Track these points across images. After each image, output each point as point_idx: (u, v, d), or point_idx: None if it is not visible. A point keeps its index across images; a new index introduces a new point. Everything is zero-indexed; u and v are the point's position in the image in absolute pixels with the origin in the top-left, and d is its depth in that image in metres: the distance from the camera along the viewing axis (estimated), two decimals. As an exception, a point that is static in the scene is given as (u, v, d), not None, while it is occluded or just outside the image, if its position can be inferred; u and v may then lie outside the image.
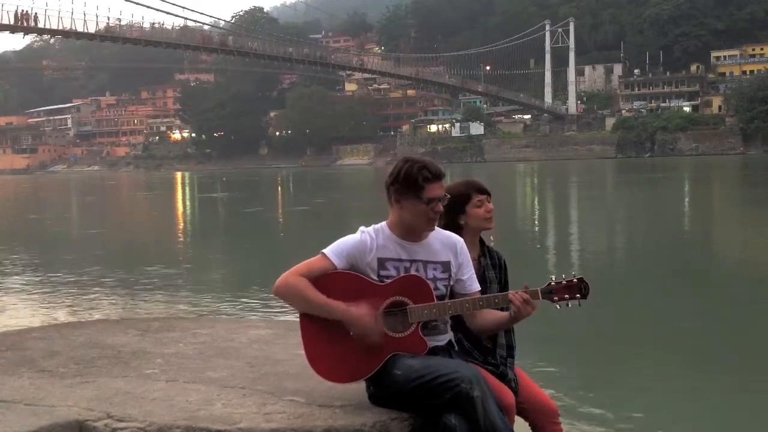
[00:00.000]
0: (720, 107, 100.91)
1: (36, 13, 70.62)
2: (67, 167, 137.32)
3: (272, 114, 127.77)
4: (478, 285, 2.84)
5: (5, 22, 69.27)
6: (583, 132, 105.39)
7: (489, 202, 3.08)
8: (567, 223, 22.37)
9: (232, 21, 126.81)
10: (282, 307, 8.62)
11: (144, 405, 2.71)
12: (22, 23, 70.42)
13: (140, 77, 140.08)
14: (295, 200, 38.80)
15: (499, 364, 2.94)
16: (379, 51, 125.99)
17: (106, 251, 17.41)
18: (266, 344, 3.66)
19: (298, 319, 2.74)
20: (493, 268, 3.08)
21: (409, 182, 2.66)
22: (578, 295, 2.71)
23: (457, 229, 2.98)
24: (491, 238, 3.29)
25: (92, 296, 11.03)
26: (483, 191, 3.08)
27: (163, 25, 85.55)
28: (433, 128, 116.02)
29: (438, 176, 2.68)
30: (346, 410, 2.64)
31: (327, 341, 2.67)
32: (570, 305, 2.72)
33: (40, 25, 71.51)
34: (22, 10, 70.32)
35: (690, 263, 14.07)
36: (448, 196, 2.74)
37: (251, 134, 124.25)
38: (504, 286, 3.07)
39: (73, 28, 73.72)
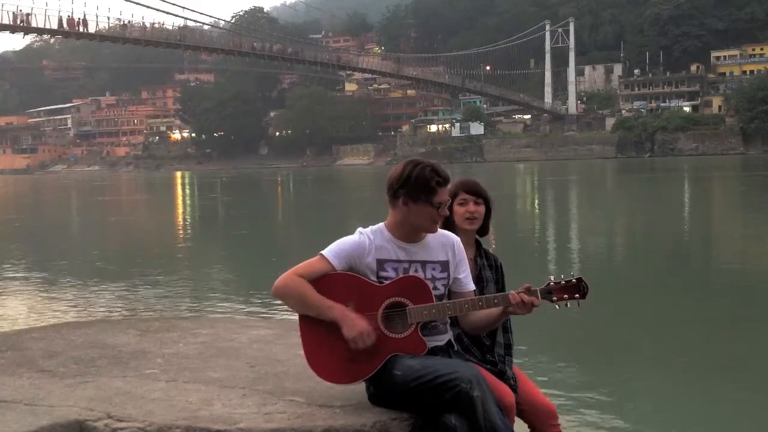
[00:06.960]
0: (720, 107, 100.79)
1: (86, 18, 71.27)
2: (67, 167, 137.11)
3: (272, 114, 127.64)
4: (473, 284, 2.85)
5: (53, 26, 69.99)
6: (583, 132, 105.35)
7: (478, 205, 3.06)
8: (567, 222, 22.34)
9: (232, 21, 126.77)
10: (282, 307, 8.62)
11: (144, 405, 2.71)
12: (62, 27, 70.92)
13: (140, 77, 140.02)
14: (296, 200, 38.78)
15: (497, 362, 2.95)
16: (379, 51, 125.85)
17: (105, 252, 17.39)
18: (266, 344, 3.65)
19: (297, 319, 2.73)
20: (489, 269, 3.09)
21: (421, 185, 2.65)
22: (577, 296, 2.71)
23: (450, 225, 3.00)
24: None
25: (92, 296, 11.03)
26: (471, 192, 3.07)
27: (163, 25, 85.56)
28: (433, 128, 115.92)
29: (447, 180, 2.71)
30: (346, 410, 2.64)
31: (327, 342, 2.67)
32: (569, 305, 2.72)
33: (40, 25, 71.60)
34: (68, 16, 71.09)
35: (690, 263, 14.07)
36: (450, 199, 2.76)
37: (251, 134, 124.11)
38: (501, 287, 3.08)
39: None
